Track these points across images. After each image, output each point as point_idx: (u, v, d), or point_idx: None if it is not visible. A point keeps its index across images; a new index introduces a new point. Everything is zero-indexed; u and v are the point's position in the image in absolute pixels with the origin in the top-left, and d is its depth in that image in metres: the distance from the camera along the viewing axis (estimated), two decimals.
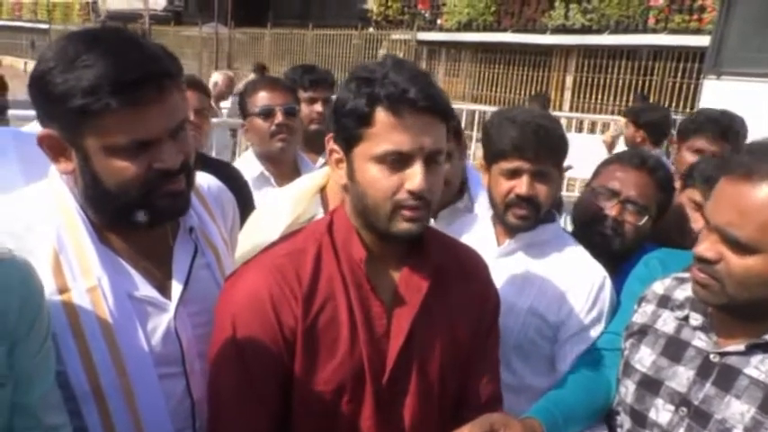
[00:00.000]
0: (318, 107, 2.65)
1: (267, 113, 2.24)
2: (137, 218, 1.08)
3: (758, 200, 1.05)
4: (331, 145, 1.14)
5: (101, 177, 1.04)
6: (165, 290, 1.16)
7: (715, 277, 1.12)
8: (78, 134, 1.00)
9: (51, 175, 1.13)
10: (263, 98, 2.27)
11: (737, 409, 1.11)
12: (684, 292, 1.30)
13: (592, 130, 9.37)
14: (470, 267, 1.29)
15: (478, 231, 1.69)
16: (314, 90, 2.65)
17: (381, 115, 1.03)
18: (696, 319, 1.24)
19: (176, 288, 1.16)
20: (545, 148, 1.49)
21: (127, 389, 1.08)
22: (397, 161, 1.04)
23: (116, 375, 1.07)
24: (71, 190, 1.11)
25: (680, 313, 1.28)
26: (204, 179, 1.36)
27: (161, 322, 1.14)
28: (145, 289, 1.13)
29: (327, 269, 1.14)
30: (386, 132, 1.04)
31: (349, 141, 1.08)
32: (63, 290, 1.06)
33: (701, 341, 1.22)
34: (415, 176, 1.04)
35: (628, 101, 10.14)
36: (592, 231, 1.70)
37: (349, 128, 1.07)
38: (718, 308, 1.18)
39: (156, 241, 1.17)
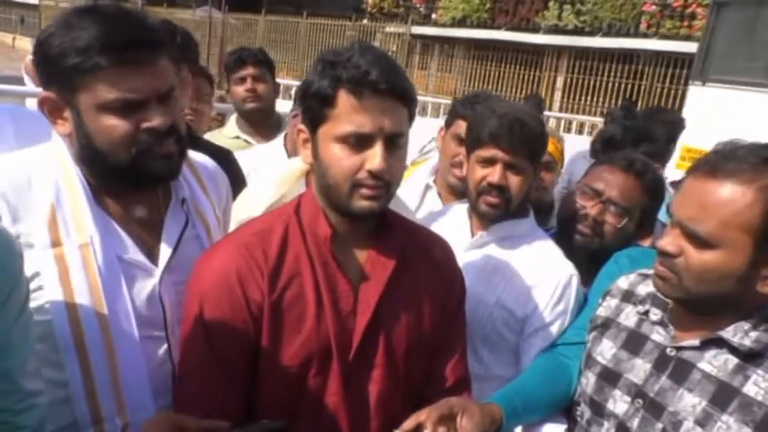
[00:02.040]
0: (248, 84, 2.70)
1: None
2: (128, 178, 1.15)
3: (720, 197, 1.08)
4: (299, 125, 1.17)
5: (93, 136, 1.10)
6: (153, 256, 1.21)
7: (674, 270, 1.14)
8: (73, 93, 1.08)
9: (54, 138, 1.19)
10: None
11: (689, 402, 1.14)
12: (647, 288, 1.33)
13: (580, 132, 9.46)
14: (436, 252, 1.31)
15: (453, 222, 1.72)
16: (241, 69, 2.72)
17: (344, 97, 1.06)
18: (656, 314, 1.27)
19: (164, 255, 1.21)
20: (520, 141, 1.52)
21: (108, 345, 1.12)
22: (358, 142, 1.07)
23: (99, 330, 1.11)
24: (70, 153, 1.17)
25: (641, 308, 1.31)
26: (200, 158, 1.43)
27: (146, 286, 1.19)
28: (133, 252, 1.19)
29: (294, 247, 1.16)
30: (347, 114, 1.07)
31: (314, 122, 1.12)
32: (56, 243, 1.11)
33: (659, 335, 1.25)
34: (374, 157, 1.07)
35: (617, 104, 10.24)
36: (571, 229, 1.71)
37: (314, 109, 1.10)
38: (676, 301, 1.21)
39: (148, 209, 1.23)
